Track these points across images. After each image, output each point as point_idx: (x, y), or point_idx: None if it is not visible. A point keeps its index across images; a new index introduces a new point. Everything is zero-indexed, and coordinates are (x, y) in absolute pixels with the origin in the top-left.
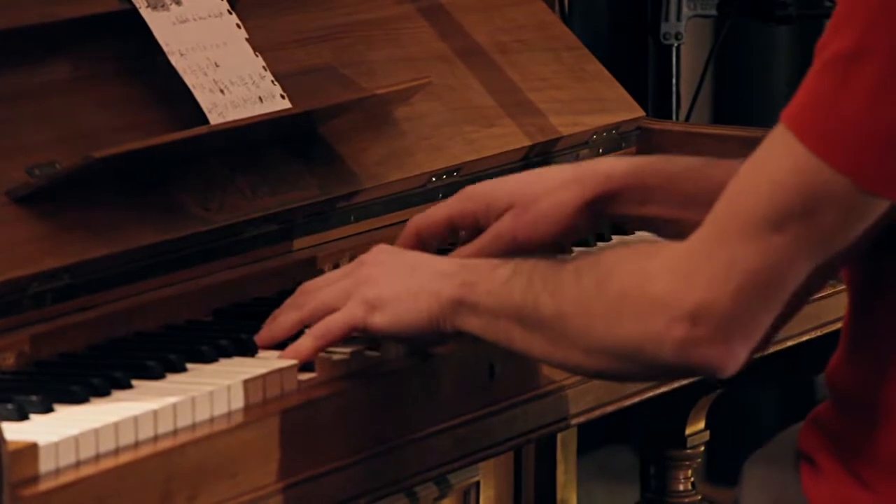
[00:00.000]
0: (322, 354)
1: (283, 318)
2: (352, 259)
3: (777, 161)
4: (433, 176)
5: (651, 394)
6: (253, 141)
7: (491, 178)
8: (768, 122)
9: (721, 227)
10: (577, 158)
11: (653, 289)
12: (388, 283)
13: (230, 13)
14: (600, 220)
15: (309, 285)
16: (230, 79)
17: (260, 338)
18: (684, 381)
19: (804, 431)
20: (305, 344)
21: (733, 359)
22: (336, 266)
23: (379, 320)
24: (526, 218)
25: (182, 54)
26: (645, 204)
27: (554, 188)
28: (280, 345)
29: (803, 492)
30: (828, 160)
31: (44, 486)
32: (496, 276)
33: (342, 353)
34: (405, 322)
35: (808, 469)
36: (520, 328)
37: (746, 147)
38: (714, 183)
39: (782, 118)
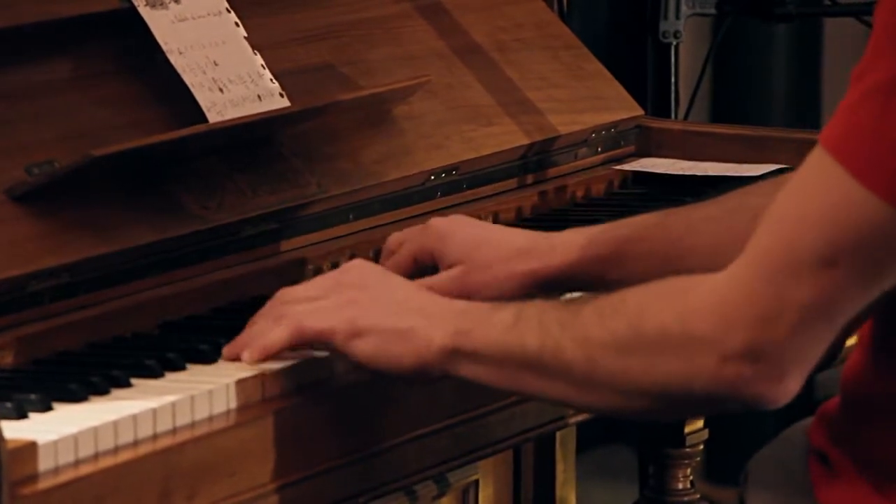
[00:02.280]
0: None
1: (258, 326)
2: (351, 257)
3: (824, 193)
4: (432, 174)
5: None
6: (252, 139)
7: (491, 176)
8: (767, 120)
9: (768, 262)
10: (576, 157)
11: (696, 328)
12: (376, 313)
13: (229, 11)
14: (554, 289)
15: (286, 294)
16: (229, 77)
17: (232, 345)
18: None
19: (814, 427)
20: (278, 335)
21: (787, 392)
22: (335, 265)
23: (360, 349)
24: (476, 280)
25: (181, 53)
26: (603, 276)
27: (507, 257)
28: None
29: (813, 492)
30: (876, 191)
31: (43, 484)
32: (495, 321)
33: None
34: (387, 360)
35: (819, 467)
36: (533, 375)
37: (746, 145)
38: (673, 237)
39: (824, 145)
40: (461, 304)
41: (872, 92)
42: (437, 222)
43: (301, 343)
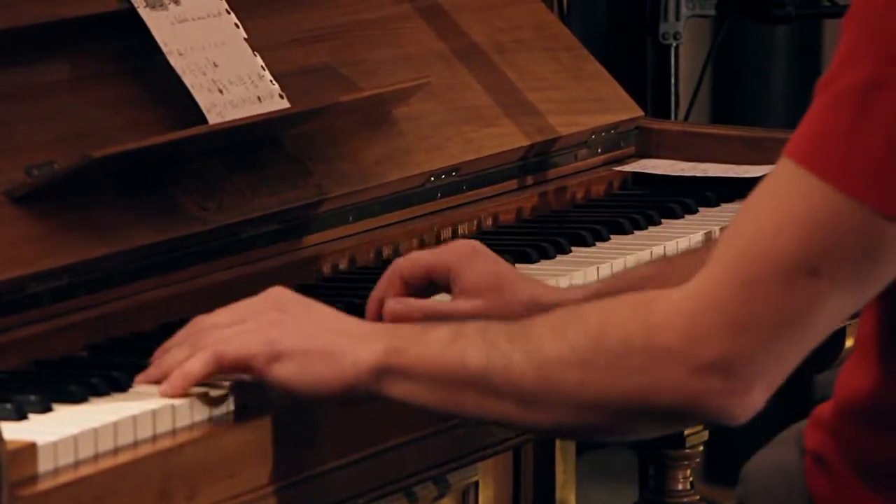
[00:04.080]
0: None
1: (174, 354)
2: (351, 260)
3: (800, 202)
4: (432, 175)
5: None
6: (252, 141)
7: (491, 177)
8: (767, 121)
9: (739, 273)
10: (576, 158)
11: (663, 339)
12: (297, 336)
13: (229, 13)
14: None
15: (202, 322)
16: (229, 78)
17: (147, 374)
18: None
19: (809, 430)
20: (195, 368)
21: (752, 406)
22: (335, 266)
23: (280, 372)
24: (501, 309)
25: (181, 54)
26: None
27: (520, 304)
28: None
29: (810, 494)
30: (855, 195)
31: (42, 485)
32: (430, 340)
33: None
34: (309, 382)
35: (815, 468)
36: (475, 394)
37: (745, 146)
38: (672, 285)
39: (792, 156)
40: (389, 325)
41: (844, 96)
42: (461, 243)
43: (219, 371)
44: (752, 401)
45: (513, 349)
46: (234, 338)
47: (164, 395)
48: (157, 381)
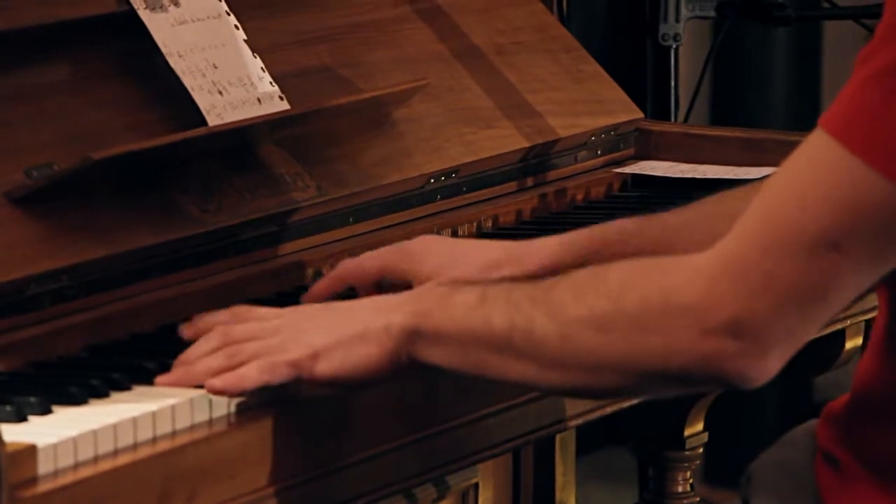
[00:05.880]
0: None
1: (209, 362)
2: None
3: (827, 175)
4: (431, 177)
5: None
6: (251, 142)
7: (490, 179)
8: (767, 123)
9: (761, 240)
10: (576, 160)
11: (682, 301)
12: (330, 330)
13: (228, 14)
14: None
15: (234, 333)
16: (229, 80)
17: (173, 377)
18: None
19: (821, 428)
20: (252, 374)
21: (767, 371)
22: (334, 268)
23: (326, 368)
24: None
25: (180, 56)
26: None
27: (484, 268)
28: None
29: (820, 494)
30: (884, 172)
31: (42, 487)
32: (456, 302)
33: None
34: (354, 365)
35: (826, 469)
36: (499, 355)
37: (745, 148)
38: (651, 241)
39: (826, 128)
40: (415, 290)
41: (880, 73)
42: (409, 243)
43: (274, 382)
44: (766, 366)
45: (534, 311)
46: (274, 349)
47: (212, 389)
48: (177, 385)
